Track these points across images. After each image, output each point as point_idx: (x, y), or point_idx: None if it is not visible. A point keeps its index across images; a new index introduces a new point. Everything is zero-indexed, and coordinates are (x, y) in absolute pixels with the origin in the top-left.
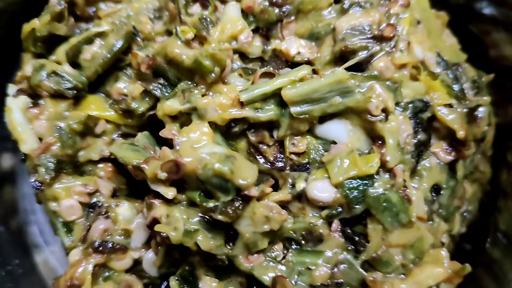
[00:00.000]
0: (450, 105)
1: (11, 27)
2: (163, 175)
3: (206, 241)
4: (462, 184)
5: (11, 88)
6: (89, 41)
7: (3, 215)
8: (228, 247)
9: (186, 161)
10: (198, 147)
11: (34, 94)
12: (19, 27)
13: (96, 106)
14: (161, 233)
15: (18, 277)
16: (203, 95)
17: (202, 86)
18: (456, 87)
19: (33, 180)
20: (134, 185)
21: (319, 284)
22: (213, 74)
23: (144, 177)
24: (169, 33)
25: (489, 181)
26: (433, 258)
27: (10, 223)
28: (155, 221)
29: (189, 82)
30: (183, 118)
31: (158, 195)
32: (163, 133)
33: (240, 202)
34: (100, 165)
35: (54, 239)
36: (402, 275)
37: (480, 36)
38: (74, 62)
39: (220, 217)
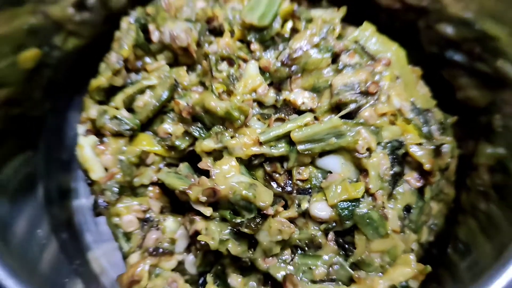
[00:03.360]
0: (420, 144)
1: (68, 72)
2: (203, 198)
3: (235, 248)
4: (429, 204)
5: (81, 128)
6: (141, 91)
7: (66, 225)
8: (250, 252)
9: (221, 188)
10: (229, 177)
11: (97, 133)
12: (73, 73)
13: (147, 143)
14: (201, 242)
15: (81, 273)
16: (231, 137)
17: (230, 129)
18: (425, 129)
19: (101, 200)
20: (175, 204)
21: (318, 280)
22: (239, 121)
23: (187, 199)
24: (201, 83)
25: (453, 200)
26: (404, 261)
27: (71, 231)
28: (197, 232)
29: (221, 126)
30: (216, 154)
31: (198, 213)
32: (201, 165)
33: (260, 218)
34: (150, 188)
35: (102, 245)
36: (380, 274)
37: (449, 81)
38: (129, 108)
39: (245, 230)
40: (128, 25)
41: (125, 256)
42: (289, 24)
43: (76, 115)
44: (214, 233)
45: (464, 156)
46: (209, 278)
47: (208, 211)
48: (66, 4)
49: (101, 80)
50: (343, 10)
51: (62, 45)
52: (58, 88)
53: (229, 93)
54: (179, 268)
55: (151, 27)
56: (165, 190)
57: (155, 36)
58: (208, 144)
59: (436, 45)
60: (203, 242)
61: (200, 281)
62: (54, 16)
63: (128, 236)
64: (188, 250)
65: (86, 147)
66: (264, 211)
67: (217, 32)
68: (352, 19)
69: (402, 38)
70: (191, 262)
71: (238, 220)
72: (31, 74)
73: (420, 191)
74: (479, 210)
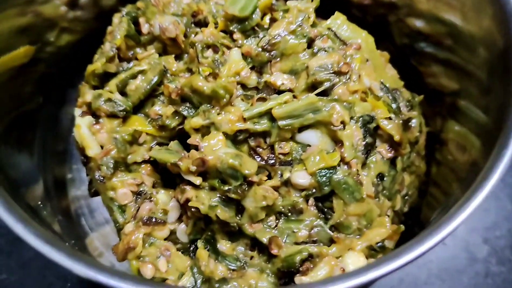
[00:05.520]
0: (389, 118)
1: (60, 66)
2: (193, 168)
3: (223, 213)
4: (401, 174)
5: (77, 111)
6: (133, 76)
7: (62, 210)
8: (238, 218)
9: (209, 158)
10: (216, 149)
11: (93, 115)
12: (66, 67)
13: (139, 123)
14: (192, 208)
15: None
16: (218, 114)
17: (217, 107)
18: (394, 105)
19: (97, 175)
20: (166, 180)
21: (301, 241)
22: (225, 100)
23: (178, 170)
24: (189, 70)
25: (425, 173)
26: (379, 223)
27: (66, 216)
28: (188, 200)
29: (208, 105)
30: (204, 130)
31: (189, 183)
32: (190, 141)
33: (246, 185)
34: (142, 165)
35: (98, 229)
36: (358, 236)
37: (418, 67)
38: (122, 91)
39: (233, 195)
40: (119, 19)
41: (120, 228)
42: (268, 17)
43: (69, 107)
44: (204, 200)
45: (432, 133)
46: (200, 243)
47: (198, 180)
48: (59, 3)
49: (97, 65)
50: (316, 1)
51: (56, 40)
52: (51, 82)
53: (215, 76)
54: (171, 237)
55: (141, 20)
56: (156, 167)
57: (145, 28)
58: (197, 121)
59: (406, 37)
60: (194, 209)
61: (191, 249)
62: (47, 14)
63: (122, 208)
64: (179, 220)
65: (83, 126)
66: (250, 179)
67: (202, 24)
68: (324, 14)
69: (373, 31)
70: (182, 230)
71: (226, 188)
72: (24, 69)
73: (393, 163)
74: (448, 183)
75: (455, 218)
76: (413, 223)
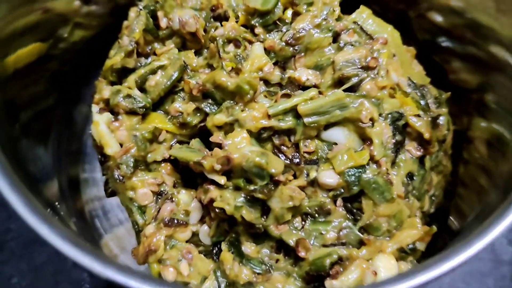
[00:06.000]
0: (418, 115)
1: (74, 63)
2: (218, 167)
3: (249, 214)
4: (430, 173)
5: (95, 108)
6: (153, 72)
7: (77, 211)
8: (263, 219)
9: (235, 157)
10: (241, 147)
11: (111, 112)
12: (80, 64)
13: (159, 121)
14: (217, 209)
15: None
16: (242, 110)
17: (240, 104)
18: (422, 102)
19: (116, 174)
20: (186, 180)
21: (329, 243)
22: (249, 95)
23: (201, 169)
24: (209, 65)
25: (451, 173)
26: (410, 224)
27: (80, 218)
28: (212, 200)
29: (231, 101)
30: (227, 128)
31: (212, 182)
32: (213, 139)
33: (272, 185)
34: (162, 164)
35: (112, 231)
36: (388, 237)
37: (441, 64)
38: (141, 87)
39: (259, 195)
40: (136, 13)
41: (139, 230)
42: (290, 11)
43: (83, 106)
44: (229, 200)
45: (460, 131)
46: (224, 246)
47: (222, 179)
48: None
49: (116, 59)
50: None
51: (69, 36)
52: (64, 80)
53: (237, 71)
54: (193, 239)
55: (160, 14)
56: (176, 167)
57: (163, 22)
58: (220, 118)
59: (427, 32)
60: (218, 210)
61: (214, 251)
62: (59, 9)
63: (142, 209)
64: (201, 221)
65: (101, 123)
66: (276, 178)
67: (221, 18)
68: (345, 10)
69: (394, 27)
70: (205, 232)
71: (252, 187)
72: (36, 66)
73: (421, 161)
74: (478, 183)
75: (493, 228)
76: (439, 225)
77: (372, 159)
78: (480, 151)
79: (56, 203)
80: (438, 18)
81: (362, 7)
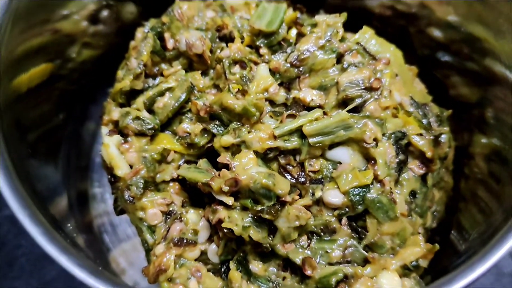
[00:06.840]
0: (421, 134)
1: (81, 83)
2: (226, 188)
3: (256, 234)
4: (432, 190)
5: (104, 129)
6: (161, 94)
7: (85, 226)
8: (270, 238)
9: (242, 178)
10: (248, 168)
11: (120, 133)
12: (88, 81)
13: (167, 141)
14: (225, 229)
15: None
16: (248, 132)
17: (247, 125)
18: (424, 121)
19: (126, 195)
20: (194, 199)
21: (335, 262)
22: (255, 117)
23: (209, 190)
24: (215, 86)
25: (452, 188)
26: (413, 242)
27: (89, 233)
28: (220, 221)
29: (238, 123)
30: (234, 148)
31: (220, 203)
32: (220, 159)
33: (279, 205)
34: (171, 184)
35: (120, 245)
36: (392, 255)
37: (442, 80)
38: (149, 109)
39: (267, 216)
40: (143, 34)
41: (149, 249)
42: (294, 31)
43: (91, 124)
44: (237, 220)
45: (460, 147)
46: (232, 265)
47: (230, 200)
48: (79, 18)
49: (125, 82)
50: (344, 16)
51: (77, 56)
52: (72, 99)
53: (243, 92)
54: (202, 258)
55: (167, 35)
56: (184, 186)
57: (170, 43)
58: (227, 139)
59: (427, 48)
60: (226, 230)
61: (222, 270)
62: (67, 30)
63: (152, 229)
64: (209, 240)
65: (111, 146)
66: (283, 198)
67: (227, 39)
68: (347, 27)
69: (395, 42)
70: (213, 251)
71: (259, 208)
72: (44, 87)
73: (423, 179)
74: (479, 197)
75: (497, 250)
76: (441, 240)
77: (376, 178)
78: (480, 166)
79: (65, 219)
80: (437, 33)
81: (365, 27)
